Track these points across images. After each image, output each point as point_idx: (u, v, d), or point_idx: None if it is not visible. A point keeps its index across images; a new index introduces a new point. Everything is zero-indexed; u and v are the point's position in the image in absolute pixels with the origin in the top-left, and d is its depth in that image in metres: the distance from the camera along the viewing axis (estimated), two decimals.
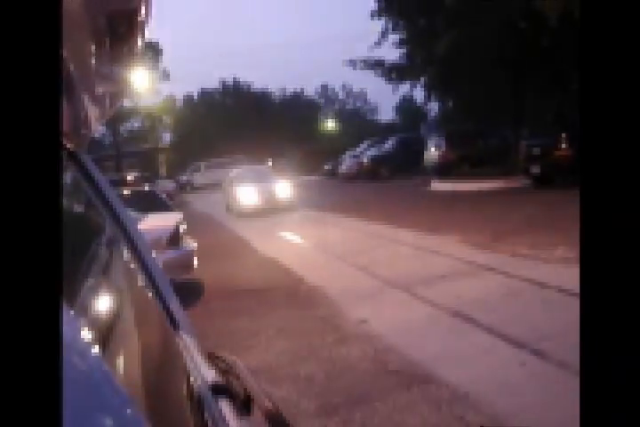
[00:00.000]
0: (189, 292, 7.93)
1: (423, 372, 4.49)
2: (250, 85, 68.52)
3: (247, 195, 19.19)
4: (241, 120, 60.57)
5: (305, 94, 74.11)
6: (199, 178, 43.01)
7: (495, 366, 4.43)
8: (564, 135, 14.41)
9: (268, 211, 18.14)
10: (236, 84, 68.09)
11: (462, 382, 4.17)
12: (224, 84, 68.09)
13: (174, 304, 1.98)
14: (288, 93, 71.82)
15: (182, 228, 8.33)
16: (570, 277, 6.45)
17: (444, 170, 22.03)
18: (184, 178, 44.11)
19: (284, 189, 19.37)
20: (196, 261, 8.28)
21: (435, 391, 4.11)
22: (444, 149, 22.87)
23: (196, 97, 67.52)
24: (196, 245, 8.60)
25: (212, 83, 71.10)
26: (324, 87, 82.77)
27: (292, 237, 12.91)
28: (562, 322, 5.13)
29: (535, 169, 15.21)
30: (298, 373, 4.85)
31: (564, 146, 14.30)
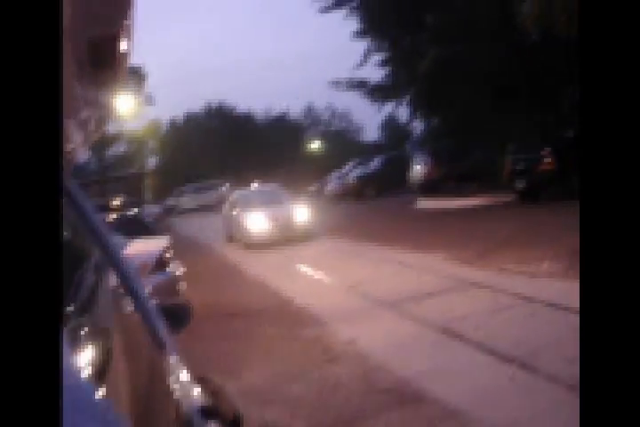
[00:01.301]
0: (177, 316, 7.88)
1: (414, 390, 4.48)
2: (234, 108, 68.77)
3: (258, 221, 15.57)
4: (226, 143, 60.63)
5: (290, 116, 74.46)
6: (186, 202, 42.94)
7: (485, 382, 4.43)
8: (548, 150, 14.56)
9: (285, 240, 14.97)
10: (221, 106, 68.27)
11: (453, 399, 4.17)
12: (209, 106, 68.29)
13: (162, 329, 1.98)
14: (273, 115, 72.11)
15: (168, 252, 8.31)
16: (557, 291, 6.52)
17: (430, 187, 22.16)
18: (170, 202, 44.00)
19: (301, 213, 15.98)
20: (183, 286, 8.25)
21: (426, 409, 4.11)
22: (429, 166, 23.01)
23: (180, 120, 67.62)
24: (182, 269, 8.57)
25: (197, 106, 71.16)
26: (309, 108, 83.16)
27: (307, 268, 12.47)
28: (550, 336, 5.16)
29: (520, 184, 15.34)
30: (288, 394, 4.84)
31: (548, 160, 14.43)
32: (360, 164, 32.06)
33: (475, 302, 6.79)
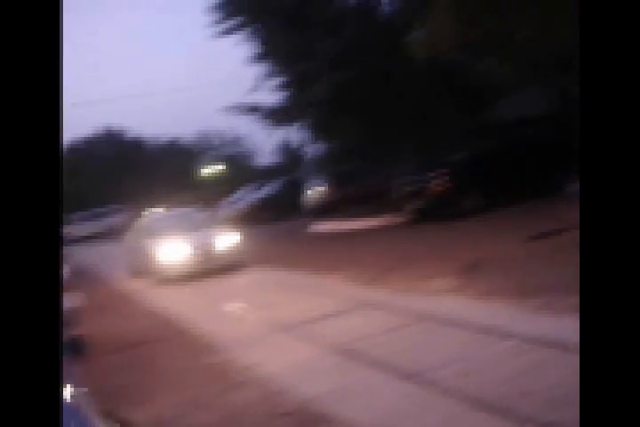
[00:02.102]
0: (75, 348, 7.67)
1: (316, 411, 4.57)
2: (128, 132, 67.53)
3: (175, 251, 13.04)
4: (121, 168, 59.45)
5: (184, 140, 73.69)
6: (81, 229, 41.52)
7: (385, 399, 4.57)
8: (437, 172, 15.10)
9: (204, 272, 12.90)
10: (114, 131, 66.92)
11: (354, 417, 4.29)
12: (102, 131, 66.74)
13: (61, 362, 1.98)
14: (167, 139, 71.20)
15: (64, 284, 8.09)
16: (451, 307, 6.80)
17: (327, 210, 22.44)
18: (65, 230, 42.43)
19: (225, 239, 13.48)
20: (81, 319, 8.02)
21: None
22: (325, 189, 23.36)
23: (75, 146, 65.66)
24: (80, 301, 8.33)
25: (90, 130, 69.23)
26: (204, 133, 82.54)
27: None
28: (447, 351, 5.39)
29: (413, 205, 15.80)
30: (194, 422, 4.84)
31: (439, 182, 14.97)
32: (256, 188, 32.05)
33: (373, 321, 6.96)
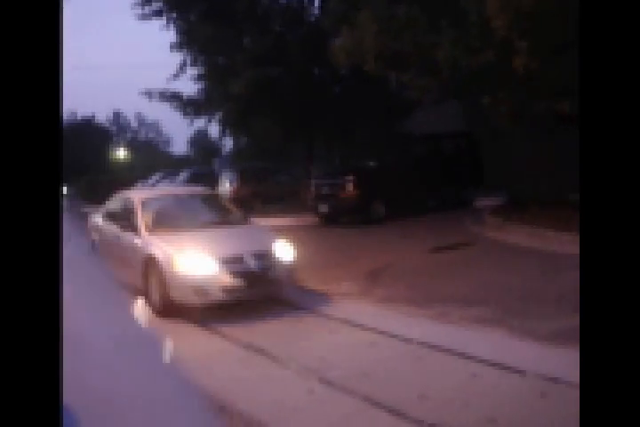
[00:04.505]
0: None
1: (220, 400, 4.65)
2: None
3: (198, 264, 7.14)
4: None
5: (96, 121, 71.71)
6: None
7: (286, 395, 4.71)
8: (349, 177, 15.38)
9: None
10: None
11: (255, 411, 4.40)
12: None
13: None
14: (77, 119, 69.09)
15: None
16: (354, 309, 7.03)
17: (237, 205, 22.32)
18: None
19: (281, 249, 8.11)
20: None
21: (230, 420, 4.30)
22: (236, 184, 23.27)
23: None
24: None
25: None
26: (117, 115, 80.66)
27: None
28: (345, 351, 5.59)
29: (323, 208, 16.03)
30: None
31: (350, 187, 15.25)
32: (167, 176, 31.48)
33: (275, 319, 7.08)
